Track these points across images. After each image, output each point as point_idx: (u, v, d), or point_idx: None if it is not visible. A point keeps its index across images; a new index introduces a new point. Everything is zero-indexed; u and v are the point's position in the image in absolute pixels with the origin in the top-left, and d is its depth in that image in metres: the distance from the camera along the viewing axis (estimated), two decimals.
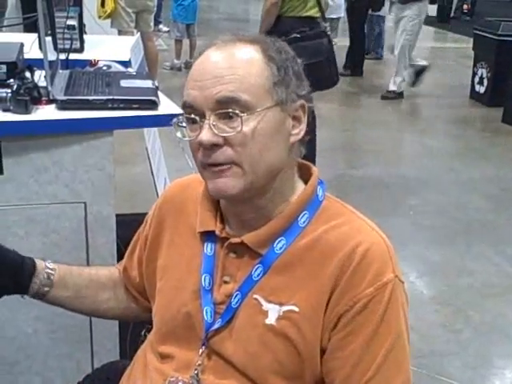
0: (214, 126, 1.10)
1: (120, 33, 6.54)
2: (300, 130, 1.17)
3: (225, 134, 1.10)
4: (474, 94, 7.66)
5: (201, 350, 1.20)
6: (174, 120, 1.16)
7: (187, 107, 1.13)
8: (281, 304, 1.14)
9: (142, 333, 1.43)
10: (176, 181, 1.44)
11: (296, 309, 1.13)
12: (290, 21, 4.26)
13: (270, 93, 1.11)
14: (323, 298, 1.12)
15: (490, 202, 4.67)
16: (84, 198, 1.85)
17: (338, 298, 1.11)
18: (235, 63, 1.11)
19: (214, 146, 1.10)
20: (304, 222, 1.17)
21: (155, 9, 7.14)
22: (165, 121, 1.94)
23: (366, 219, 1.20)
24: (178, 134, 1.16)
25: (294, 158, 1.19)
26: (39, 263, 1.35)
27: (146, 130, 2.83)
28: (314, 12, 4.31)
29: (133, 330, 1.68)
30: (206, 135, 1.10)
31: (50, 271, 1.35)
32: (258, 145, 1.10)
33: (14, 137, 1.76)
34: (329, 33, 4.22)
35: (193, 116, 1.12)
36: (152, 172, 2.78)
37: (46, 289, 1.35)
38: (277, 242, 1.16)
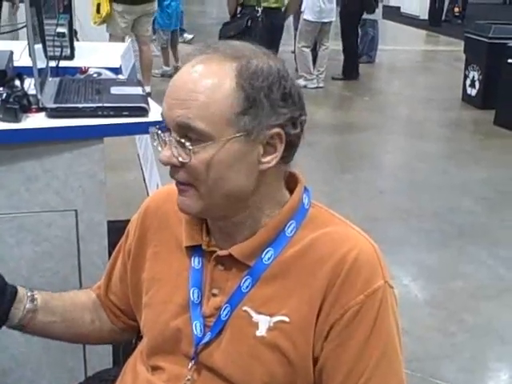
0: (175, 147, 1.08)
1: (110, 37, 6.54)
2: (273, 158, 1.11)
3: (180, 159, 1.08)
4: (465, 97, 7.68)
5: (190, 365, 1.18)
6: (152, 129, 1.14)
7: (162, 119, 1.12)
8: (271, 315, 1.13)
9: (133, 340, 1.42)
10: (158, 191, 1.42)
11: (287, 319, 1.12)
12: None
13: (232, 122, 1.06)
14: (314, 306, 1.11)
15: (483, 204, 4.68)
16: (75, 205, 1.84)
17: (329, 306, 1.11)
18: (200, 87, 1.06)
19: (173, 166, 1.10)
20: (291, 232, 1.16)
21: (155, 13, 7.15)
22: None
23: (353, 226, 1.19)
24: (155, 144, 1.14)
25: (272, 181, 1.15)
26: (20, 289, 1.32)
27: (137, 136, 2.83)
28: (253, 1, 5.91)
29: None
30: (164, 155, 1.10)
31: (32, 294, 1.32)
32: (212, 174, 1.08)
33: (3, 145, 1.75)
34: (259, 15, 5.93)
35: (161, 133, 1.11)
36: (144, 178, 2.78)
37: (30, 315, 1.30)
38: (265, 252, 1.15)
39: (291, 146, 1.13)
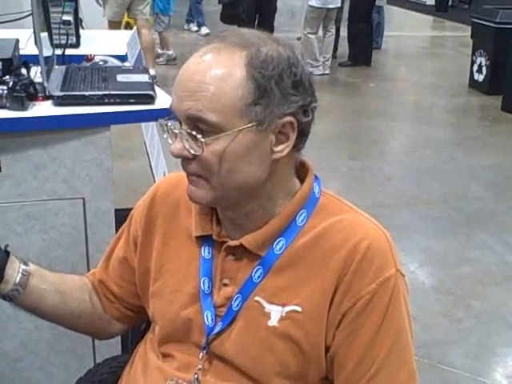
0: (186, 140, 1.07)
1: (109, 24, 6.55)
2: (286, 147, 1.10)
3: (191, 151, 1.07)
4: (472, 83, 7.64)
5: (201, 354, 1.18)
6: (161, 121, 1.13)
7: (172, 111, 1.11)
8: (283, 305, 1.13)
9: (142, 328, 1.43)
10: (166, 178, 1.40)
11: (299, 308, 1.12)
12: None
13: (243, 113, 1.05)
14: (326, 296, 1.11)
15: (491, 190, 4.67)
16: (82, 193, 1.84)
17: (342, 295, 1.10)
18: (209, 78, 1.04)
19: (185, 158, 1.09)
20: (302, 221, 1.15)
21: None
22: (162, 115, 1.94)
23: (364, 214, 1.19)
24: (165, 136, 1.13)
25: (284, 170, 1.15)
26: (11, 253, 1.26)
27: (143, 124, 2.83)
28: None
29: (134, 325, 1.68)
30: (175, 147, 1.08)
31: (24, 260, 1.27)
32: (224, 166, 1.07)
33: (11, 133, 1.75)
34: None
35: (171, 124, 1.11)
36: (151, 166, 2.78)
37: (25, 277, 1.24)
38: (276, 242, 1.15)
39: (303, 134, 1.12)
